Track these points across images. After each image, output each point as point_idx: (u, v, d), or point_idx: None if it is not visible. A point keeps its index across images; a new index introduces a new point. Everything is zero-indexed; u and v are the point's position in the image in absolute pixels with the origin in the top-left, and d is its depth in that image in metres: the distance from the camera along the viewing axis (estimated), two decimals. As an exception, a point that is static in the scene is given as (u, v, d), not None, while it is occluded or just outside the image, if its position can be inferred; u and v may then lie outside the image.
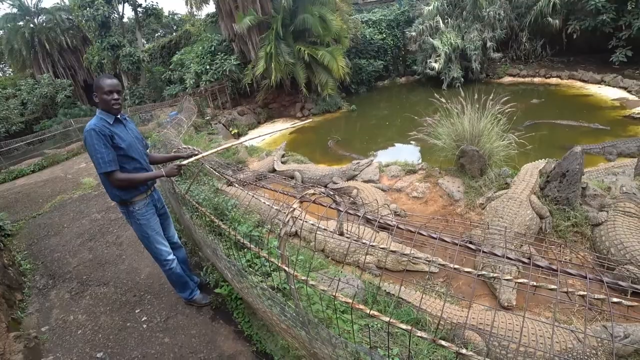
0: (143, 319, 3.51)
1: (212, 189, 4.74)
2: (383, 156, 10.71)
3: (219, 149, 3.46)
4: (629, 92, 12.07)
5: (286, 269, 1.50)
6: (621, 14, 13.21)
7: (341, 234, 2.03)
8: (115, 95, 2.65)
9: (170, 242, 3.33)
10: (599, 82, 13.50)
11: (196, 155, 3.06)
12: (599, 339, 3.12)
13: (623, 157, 7.65)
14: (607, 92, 12.60)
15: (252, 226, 3.85)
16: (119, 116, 2.75)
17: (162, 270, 3.27)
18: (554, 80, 15.04)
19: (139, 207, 2.89)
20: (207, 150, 3.48)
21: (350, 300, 1.26)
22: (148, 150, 3.12)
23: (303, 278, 1.42)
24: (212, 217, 2.24)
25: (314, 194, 1.56)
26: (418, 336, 1.17)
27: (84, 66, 24.39)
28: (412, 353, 2.76)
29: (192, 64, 17.01)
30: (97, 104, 2.67)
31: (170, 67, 19.99)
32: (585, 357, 3.07)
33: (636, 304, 1.08)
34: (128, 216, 2.94)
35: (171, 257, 3.20)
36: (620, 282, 1.07)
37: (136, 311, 3.65)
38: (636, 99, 11.48)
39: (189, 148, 3.48)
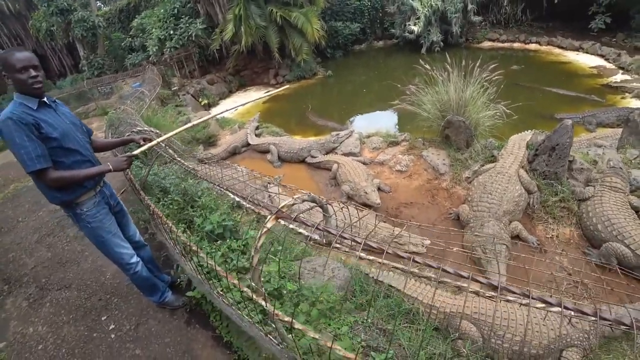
0: (111, 328, 3.13)
1: (181, 170, 4.28)
2: (362, 123, 10.40)
3: (178, 130, 2.97)
4: (607, 60, 12.05)
5: (264, 305, 1.17)
6: (604, -21, 12.95)
7: (328, 243, 1.72)
8: (32, 72, 2.08)
9: (132, 242, 2.90)
10: (577, 49, 13.40)
11: (151, 140, 2.58)
12: (590, 324, 3.06)
13: (602, 127, 7.63)
14: (585, 60, 12.54)
15: (225, 213, 3.47)
16: (44, 99, 2.20)
17: (126, 275, 2.86)
18: (533, 46, 14.86)
19: (87, 208, 2.43)
20: (170, 130, 3.01)
21: (352, 356, 0.95)
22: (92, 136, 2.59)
23: (287, 319, 1.10)
24: (172, 226, 1.83)
25: (293, 204, 1.19)
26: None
27: (31, 34, 21.94)
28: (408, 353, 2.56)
29: (154, 29, 15.59)
30: (14, 87, 2.12)
31: (131, 33, 18.31)
32: (579, 342, 3.02)
33: None
34: (76, 220, 2.47)
35: (134, 259, 2.78)
36: None
37: (103, 318, 3.25)
38: (613, 67, 11.47)
39: (145, 131, 2.98)
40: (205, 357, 2.72)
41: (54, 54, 22.95)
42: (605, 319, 0.89)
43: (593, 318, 0.89)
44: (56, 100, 2.38)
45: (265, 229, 1.06)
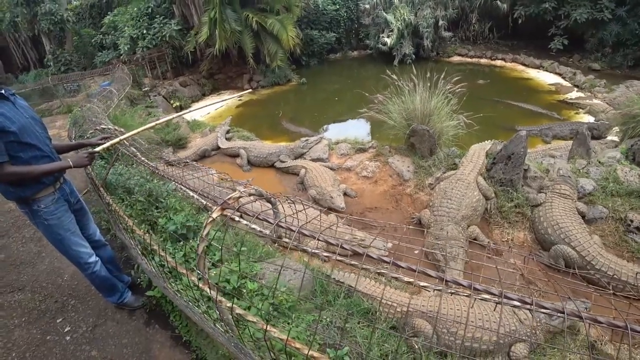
0: (66, 330, 3.05)
1: (147, 171, 4.22)
2: (333, 131, 10.58)
3: (141, 129, 2.97)
4: (563, 78, 12.99)
5: (209, 292, 1.23)
6: (561, 4, 13.98)
7: (279, 237, 1.79)
8: None
9: (92, 241, 2.86)
10: (538, 67, 14.36)
11: (113, 138, 2.56)
12: (537, 320, 3.28)
13: (557, 139, 8.18)
14: (544, 77, 13.45)
15: (189, 214, 3.47)
16: (2, 91, 2.15)
17: (84, 274, 2.81)
18: (498, 63, 15.75)
19: (45, 205, 2.38)
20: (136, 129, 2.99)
21: (285, 337, 1.04)
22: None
23: (228, 305, 1.17)
24: (127, 219, 1.86)
25: (240, 197, 1.27)
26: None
27: (-7, 25, 20.81)
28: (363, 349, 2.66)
29: (126, 28, 15.21)
30: None
31: (102, 29, 17.77)
32: (527, 337, 3.22)
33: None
34: (32, 216, 2.41)
35: (93, 259, 2.74)
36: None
37: (58, 320, 3.16)
38: (569, 85, 12.36)
39: (109, 129, 2.96)
40: (163, 357, 2.72)
41: (17, 46, 21.80)
42: (541, 306, 1.02)
43: (529, 305, 1.01)
44: (15, 94, 2.34)
45: (210, 219, 1.13)
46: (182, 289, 1.98)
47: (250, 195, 1.23)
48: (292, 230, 1.04)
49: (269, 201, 1.32)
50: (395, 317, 3.34)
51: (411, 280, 1.27)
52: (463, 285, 1.11)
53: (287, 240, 1.65)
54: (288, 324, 2.46)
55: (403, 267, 1.20)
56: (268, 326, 1.04)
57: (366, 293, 3.49)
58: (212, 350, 2.50)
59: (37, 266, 3.97)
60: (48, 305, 3.37)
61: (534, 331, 3.24)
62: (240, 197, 1.21)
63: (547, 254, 4.49)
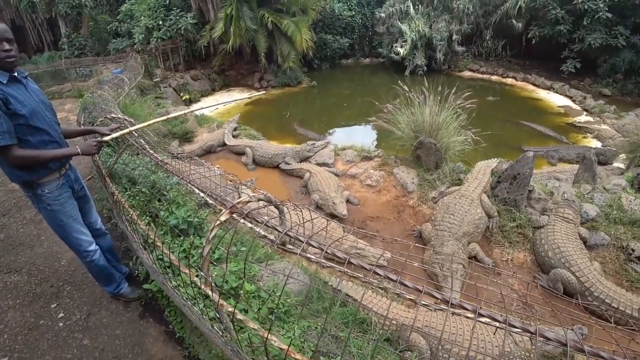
0: (60, 316, 3.03)
1: (152, 163, 4.22)
2: (340, 136, 10.58)
3: (153, 121, 2.98)
4: (573, 101, 12.96)
5: (210, 294, 1.22)
6: (576, 28, 13.97)
7: (283, 244, 1.79)
8: (6, 46, 2.04)
9: (92, 229, 2.85)
10: (548, 88, 14.35)
11: (122, 129, 2.56)
12: (532, 343, 3.25)
13: (563, 162, 8.16)
14: (554, 99, 13.43)
15: (192, 210, 3.47)
16: (15, 74, 2.15)
17: (82, 262, 2.80)
18: (509, 81, 15.75)
19: (49, 190, 2.37)
20: (146, 120, 3.00)
21: (285, 346, 1.03)
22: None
23: (230, 309, 1.16)
24: (132, 213, 1.85)
25: (248, 201, 1.26)
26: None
27: (11, 3, 20.94)
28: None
29: (142, 17, 15.31)
30: None
31: (118, 17, 17.89)
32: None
33: None
34: (36, 201, 2.40)
35: (92, 247, 2.73)
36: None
37: (52, 306, 3.15)
38: (579, 108, 12.34)
39: (119, 118, 2.96)
40: (155, 352, 2.70)
41: (33, 27, 21.90)
42: (544, 337, 1.00)
43: (533, 334, 1.00)
44: (27, 76, 2.34)
45: (218, 222, 1.12)
46: (180, 285, 1.98)
47: (259, 200, 1.23)
48: (300, 240, 1.03)
49: (277, 207, 1.32)
50: (390, 329, 3.32)
51: (413, 297, 1.25)
52: (467, 309, 1.10)
53: (291, 246, 1.65)
54: (282, 328, 2.45)
55: (409, 287, 1.18)
56: (269, 335, 1.04)
57: (363, 304, 3.47)
58: (205, 348, 2.48)
59: (35, 249, 3.97)
60: (44, 289, 3.36)
61: (528, 354, 3.22)
62: (249, 201, 1.21)
63: (546, 277, 4.47)
